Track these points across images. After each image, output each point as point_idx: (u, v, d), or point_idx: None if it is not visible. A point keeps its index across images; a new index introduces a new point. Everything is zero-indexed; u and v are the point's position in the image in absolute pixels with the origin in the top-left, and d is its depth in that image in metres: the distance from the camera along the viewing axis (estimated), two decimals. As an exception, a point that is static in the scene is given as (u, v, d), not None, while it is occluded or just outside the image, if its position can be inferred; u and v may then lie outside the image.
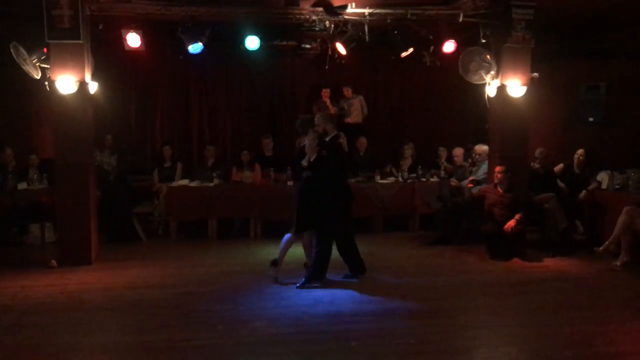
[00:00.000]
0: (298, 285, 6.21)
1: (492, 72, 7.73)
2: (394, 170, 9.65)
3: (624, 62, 10.01)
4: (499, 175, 7.44)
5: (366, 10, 7.70)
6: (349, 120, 10.27)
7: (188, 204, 8.67)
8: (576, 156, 8.34)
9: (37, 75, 7.03)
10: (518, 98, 7.74)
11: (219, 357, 4.51)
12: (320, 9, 7.74)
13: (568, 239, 7.81)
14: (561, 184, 8.19)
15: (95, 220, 7.39)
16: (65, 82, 6.93)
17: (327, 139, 6.47)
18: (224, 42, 8.75)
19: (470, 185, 8.24)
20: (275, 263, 6.46)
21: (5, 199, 8.03)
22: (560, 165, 8.58)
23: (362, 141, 9.79)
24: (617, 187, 7.90)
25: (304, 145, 6.38)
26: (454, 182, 8.99)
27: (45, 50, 6.99)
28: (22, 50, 6.81)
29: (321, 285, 6.22)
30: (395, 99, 11.27)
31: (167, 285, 6.31)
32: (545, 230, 7.81)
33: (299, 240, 6.55)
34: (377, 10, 7.74)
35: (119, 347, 4.71)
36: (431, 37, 8.84)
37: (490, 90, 7.88)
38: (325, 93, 10.26)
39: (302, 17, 7.96)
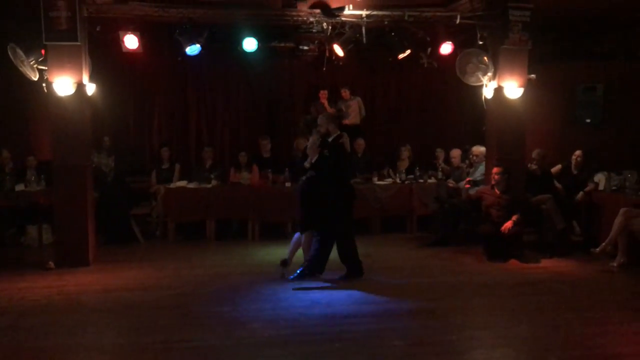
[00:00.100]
0: (291, 277, 6.32)
1: (489, 74, 7.75)
2: (391, 172, 9.67)
3: (621, 63, 10.02)
4: (496, 177, 7.46)
5: (364, 12, 7.72)
6: (346, 121, 10.26)
7: (186, 205, 8.67)
8: (574, 157, 8.35)
9: (35, 76, 7.03)
10: (515, 99, 7.77)
11: (217, 358, 4.50)
12: (318, 10, 7.77)
13: (565, 240, 7.82)
14: (558, 185, 8.20)
15: (93, 222, 7.39)
16: (63, 84, 6.93)
17: (330, 139, 6.51)
18: (221, 44, 8.75)
19: (468, 186, 8.25)
20: (285, 263, 6.56)
21: (3, 201, 8.05)
22: (558, 167, 8.59)
23: (360, 142, 9.80)
24: (614, 188, 7.91)
25: (307, 147, 6.48)
26: (451, 183, 9.02)
27: (42, 51, 6.98)
28: (20, 52, 6.82)
29: (313, 279, 6.33)
30: (393, 101, 11.28)
31: (164, 287, 6.31)
32: (543, 232, 7.82)
33: None
34: (375, 12, 7.75)
35: (116, 348, 4.71)
36: (428, 38, 8.85)
37: (488, 92, 7.89)
38: (323, 94, 10.26)
39: (300, 18, 7.98)
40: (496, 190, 7.48)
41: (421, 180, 9.24)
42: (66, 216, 7.07)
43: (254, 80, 10.74)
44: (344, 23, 7.98)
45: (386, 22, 8.01)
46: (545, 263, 7.31)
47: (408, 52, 8.90)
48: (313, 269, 6.39)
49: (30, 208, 8.11)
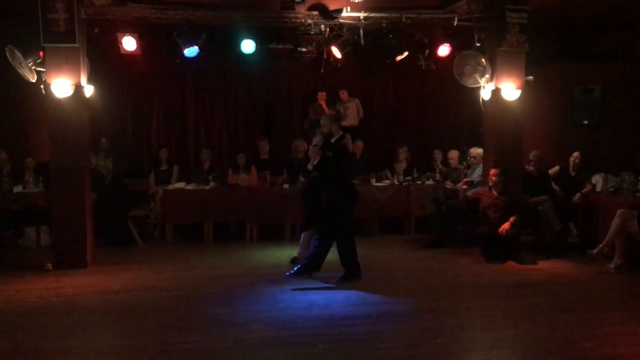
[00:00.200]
0: (288, 273, 6.45)
1: (487, 76, 7.77)
2: (389, 174, 9.68)
3: (618, 65, 10.05)
4: (493, 178, 7.47)
5: (361, 14, 7.74)
6: (344, 123, 10.21)
7: (184, 206, 8.67)
8: (572, 159, 8.37)
9: (33, 78, 7.03)
10: (512, 101, 7.78)
11: (214, 360, 4.52)
12: (316, 12, 7.79)
13: (562, 241, 7.85)
14: (556, 187, 8.22)
15: (91, 224, 7.38)
16: (61, 86, 6.93)
17: (333, 140, 6.55)
18: (219, 46, 8.77)
19: (465, 187, 8.26)
20: (295, 261, 6.74)
21: (1, 202, 8.05)
22: (556, 168, 8.61)
23: (358, 144, 9.81)
24: (611, 189, 7.93)
25: (309, 148, 6.63)
26: (449, 184, 9.03)
27: (41, 53, 6.98)
28: (18, 54, 6.82)
29: (311, 279, 6.42)
30: (391, 102, 11.29)
31: (162, 289, 6.31)
32: (540, 233, 7.83)
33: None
34: (372, 14, 7.77)
35: (114, 350, 4.71)
36: (426, 40, 8.87)
37: (485, 94, 7.91)
38: (321, 96, 10.27)
39: (298, 20, 7.99)
40: (494, 192, 7.50)
41: (419, 182, 9.26)
42: (64, 218, 7.07)
43: (252, 82, 10.74)
44: (341, 25, 7.99)
45: (384, 24, 8.03)
46: (543, 264, 7.33)
47: (406, 54, 8.91)
48: (311, 267, 6.46)
49: (28, 210, 8.11)
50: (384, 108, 11.27)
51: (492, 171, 7.52)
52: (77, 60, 6.99)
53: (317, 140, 6.58)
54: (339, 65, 9.62)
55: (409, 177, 9.34)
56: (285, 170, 9.00)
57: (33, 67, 6.99)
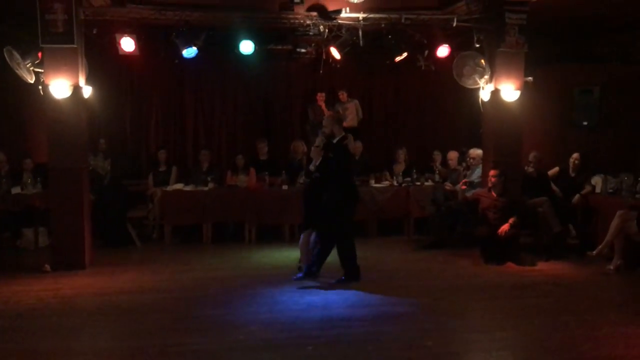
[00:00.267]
0: (294, 277, 6.51)
1: (486, 77, 7.76)
2: (388, 175, 9.66)
3: (617, 65, 10.04)
4: (493, 179, 7.46)
5: (360, 15, 7.72)
6: (344, 124, 10.21)
7: (183, 208, 8.65)
8: (571, 160, 8.36)
9: (31, 79, 7.02)
10: (512, 102, 7.77)
11: (213, 362, 4.51)
12: (315, 13, 7.78)
13: (561, 242, 7.83)
14: (555, 188, 8.21)
15: (89, 225, 7.37)
16: (59, 87, 6.92)
17: (335, 140, 6.55)
18: (218, 47, 8.75)
19: (464, 187, 8.24)
20: (301, 268, 6.72)
21: (-1, 204, 8.03)
22: (556, 169, 8.60)
23: (357, 145, 9.79)
24: (610, 191, 7.92)
25: (311, 149, 6.69)
26: (448, 186, 9.02)
27: (39, 54, 6.98)
28: (16, 55, 6.81)
29: (311, 280, 6.48)
30: (390, 103, 11.28)
31: (161, 290, 6.30)
32: (539, 234, 7.83)
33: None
34: (372, 15, 7.76)
35: (112, 352, 4.70)
36: (425, 41, 8.84)
37: (484, 95, 7.90)
38: (321, 97, 10.26)
39: (297, 21, 7.98)
40: (493, 193, 7.49)
41: (418, 183, 9.24)
42: (62, 219, 7.06)
43: (251, 83, 10.73)
44: (340, 26, 7.98)
45: (383, 25, 8.02)
46: (542, 266, 7.32)
47: (405, 54, 8.90)
48: (317, 267, 6.55)
49: (26, 211, 8.09)
50: (383, 109, 11.26)
51: (492, 172, 7.51)
52: (76, 61, 6.98)
53: (319, 140, 6.60)
54: (338, 66, 9.60)
55: (408, 178, 9.32)
56: (284, 171, 8.99)
57: (31, 68, 6.98)
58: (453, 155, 9.38)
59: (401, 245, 8.57)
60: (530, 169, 8.19)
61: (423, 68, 9.55)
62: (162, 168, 9.53)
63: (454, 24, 7.81)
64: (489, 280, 6.69)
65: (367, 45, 8.25)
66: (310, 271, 6.54)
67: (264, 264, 7.48)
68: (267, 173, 9.00)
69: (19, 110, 9.25)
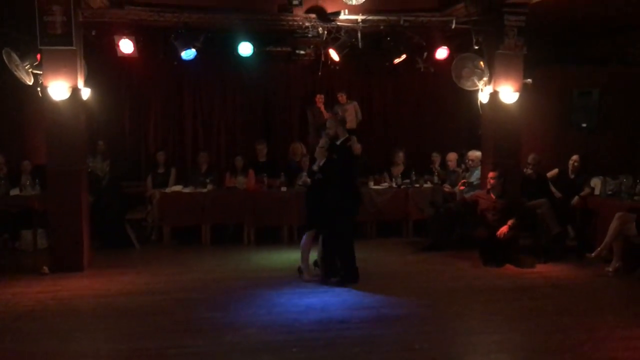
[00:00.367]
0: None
1: (485, 79, 7.77)
2: (387, 176, 9.66)
3: (616, 67, 10.06)
4: (491, 181, 7.46)
5: (359, 17, 7.73)
6: (343, 126, 10.25)
7: (181, 209, 8.65)
8: (571, 162, 8.36)
9: (30, 81, 7.03)
10: (511, 104, 7.77)
11: (211, 364, 4.51)
12: (314, 15, 7.78)
13: (560, 244, 7.82)
14: (554, 190, 8.21)
15: (88, 227, 7.36)
16: (58, 88, 6.92)
17: (338, 142, 6.55)
18: (217, 49, 8.73)
19: (462, 187, 8.23)
20: (316, 263, 6.79)
21: (-3, 205, 8.02)
22: (555, 171, 8.60)
23: (357, 147, 9.77)
24: (609, 193, 7.91)
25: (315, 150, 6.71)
26: (447, 187, 9.02)
27: (38, 56, 6.97)
28: (15, 56, 6.81)
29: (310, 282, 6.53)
30: (389, 105, 11.26)
31: (159, 292, 6.29)
32: (538, 236, 7.82)
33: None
34: (370, 17, 7.76)
35: (110, 353, 4.70)
36: (424, 43, 8.83)
37: (483, 97, 7.91)
38: (320, 99, 10.26)
39: (296, 23, 7.98)
40: (492, 195, 7.48)
41: (417, 185, 9.24)
42: (61, 221, 7.05)
43: (249, 84, 10.71)
44: (339, 28, 7.98)
45: (382, 27, 8.01)
46: (541, 268, 7.31)
47: (404, 56, 8.88)
48: (351, 275, 6.54)
49: (25, 213, 8.08)
50: (382, 110, 11.24)
51: (491, 174, 7.51)
52: (74, 63, 6.98)
53: (323, 142, 6.61)
54: (336, 67, 9.59)
55: (407, 180, 9.32)
56: (283, 173, 8.99)
57: (30, 70, 6.99)
58: (452, 157, 9.38)
59: (400, 247, 8.55)
60: (530, 171, 8.18)
61: (422, 70, 9.55)
62: (161, 170, 9.51)
63: (453, 26, 7.81)
64: (487, 283, 6.68)
65: (366, 47, 8.25)
66: (348, 278, 6.51)
67: (262, 265, 7.47)
68: (266, 175, 9.00)
69: (17, 112, 9.24)
